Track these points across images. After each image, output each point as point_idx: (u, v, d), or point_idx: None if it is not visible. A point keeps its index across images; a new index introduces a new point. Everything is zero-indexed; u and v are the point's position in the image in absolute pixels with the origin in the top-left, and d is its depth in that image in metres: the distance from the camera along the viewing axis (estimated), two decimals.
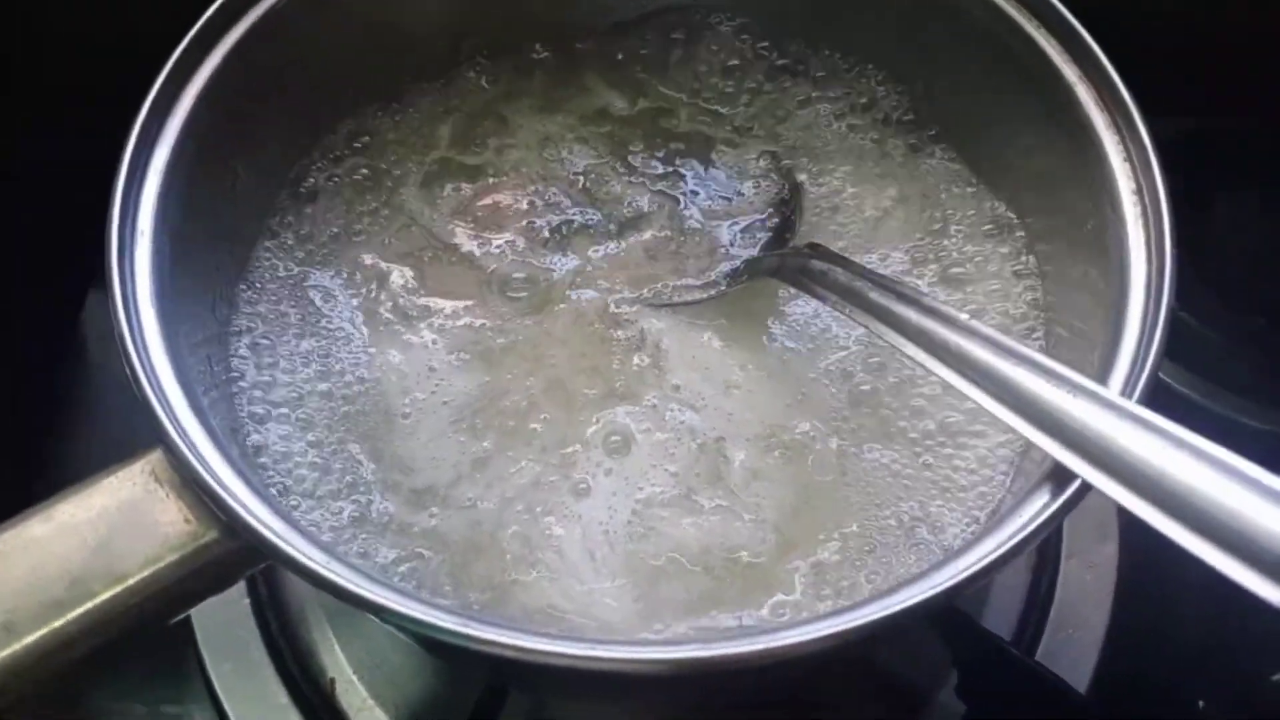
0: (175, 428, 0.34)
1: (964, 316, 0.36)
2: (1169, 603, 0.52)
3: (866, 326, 0.39)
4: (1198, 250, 0.62)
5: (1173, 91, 0.67)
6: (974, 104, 0.47)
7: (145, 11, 0.67)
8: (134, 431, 0.56)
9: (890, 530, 0.41)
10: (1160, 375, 0.37)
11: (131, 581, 0.33)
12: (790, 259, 0.44)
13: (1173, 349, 0.37)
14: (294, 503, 0.41)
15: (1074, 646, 0.51)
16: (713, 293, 0.46)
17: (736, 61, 0.52)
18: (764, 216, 0.48)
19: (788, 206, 0.48)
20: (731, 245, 0.48)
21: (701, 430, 0.43)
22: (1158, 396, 0.36)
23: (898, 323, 0.38)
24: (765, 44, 0.52)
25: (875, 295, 0.39)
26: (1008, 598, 0.52)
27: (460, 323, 0.46)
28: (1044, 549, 0.53)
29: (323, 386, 0.44)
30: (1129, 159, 0.39)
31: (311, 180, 0.49)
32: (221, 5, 0.42)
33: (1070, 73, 0.42)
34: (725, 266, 0.47)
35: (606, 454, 0.42)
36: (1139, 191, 0.39)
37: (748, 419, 0.44)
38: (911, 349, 0.37)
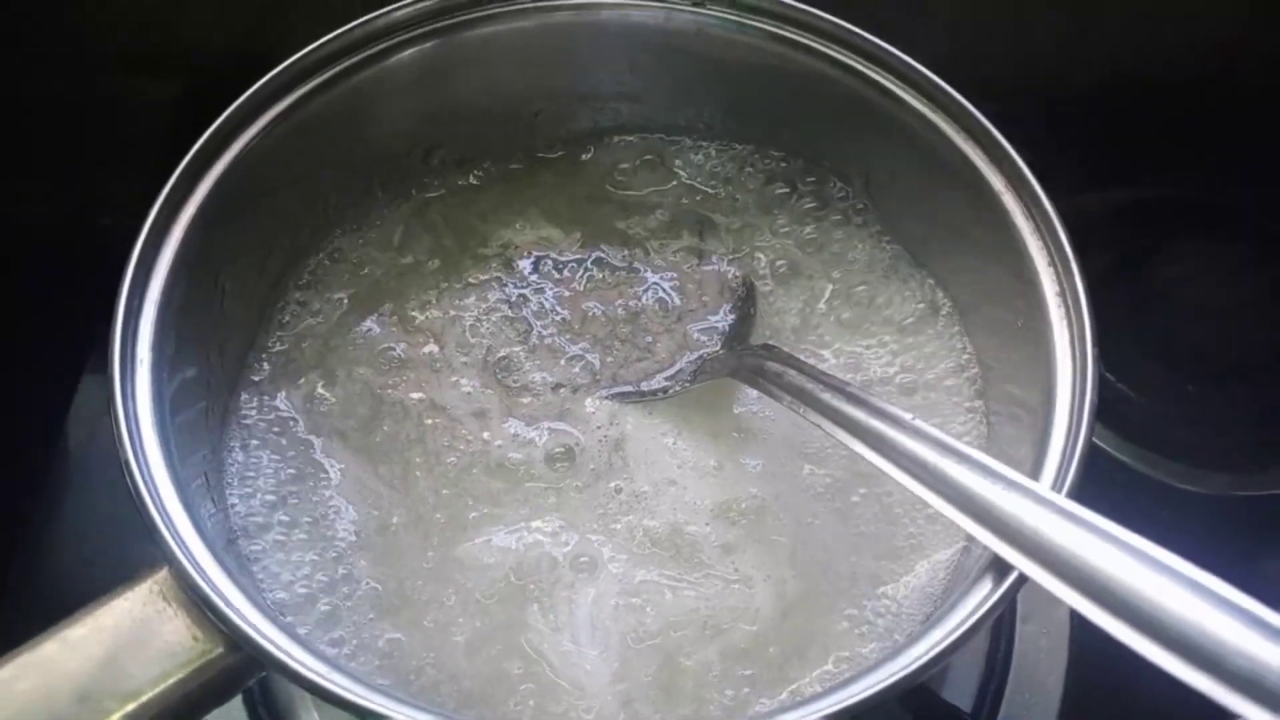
0: (182, 551, 0.37)
1: (909, 417, 0.40)
2: (1122, 662, 0.55)
3: (819, 426, 0.42)
4: (1130, 316, 0.66)
5: (1103, 164, 0.72)
6: (916, 206, 0.51)
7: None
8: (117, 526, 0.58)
9: (848, 592, 0.45)
10: (1095, 441, 0.40)
11: (143, 699, 0.35)
12: (748, 359, 0.47)
13: (1106, 415, 0.39)
14: (283, 602, 0.44)
15: (1032, 711, 0.53)
16: (676, 388, 0.50)
17: (690, 169, 0.56)
18: (723, 315, 0.52)
19: (744, 304, 0.52)
20: (693, 343, 0.51)
21: (673, 516, 0.46)
22: (1092, 464, 0.39)
23: (848, 423, 0.41)
24: (712, 150, 0.56)
25: (827, 396, 0.42)
26: (967, 665, 0.54)
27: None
28: (1000, 614, 0.56)
29: (311, 498, 0.46)
30: (1052, 263, 0.43)
31: (292, 295, 0.51)
32: (211, 134, 0.45)
33: (996, 181, 0.45)
34: (686, 364, 0.50)
35: (576, 573, 0.45)
36: (1062, 295, 0.42)
37: (710, 500, 0.47)
38: (860, 447, 0.40)
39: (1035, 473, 0.39)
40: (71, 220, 0.75)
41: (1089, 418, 0.39)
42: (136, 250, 0.42)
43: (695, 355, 0.51)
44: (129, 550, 0.57)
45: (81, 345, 0.66)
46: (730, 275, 0.53)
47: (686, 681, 0.43)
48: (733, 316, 0.51)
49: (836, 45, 0.48)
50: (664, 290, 0.53)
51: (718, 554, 0.46)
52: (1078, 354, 0.41)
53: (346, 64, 0.48)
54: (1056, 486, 0.38)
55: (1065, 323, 0.42)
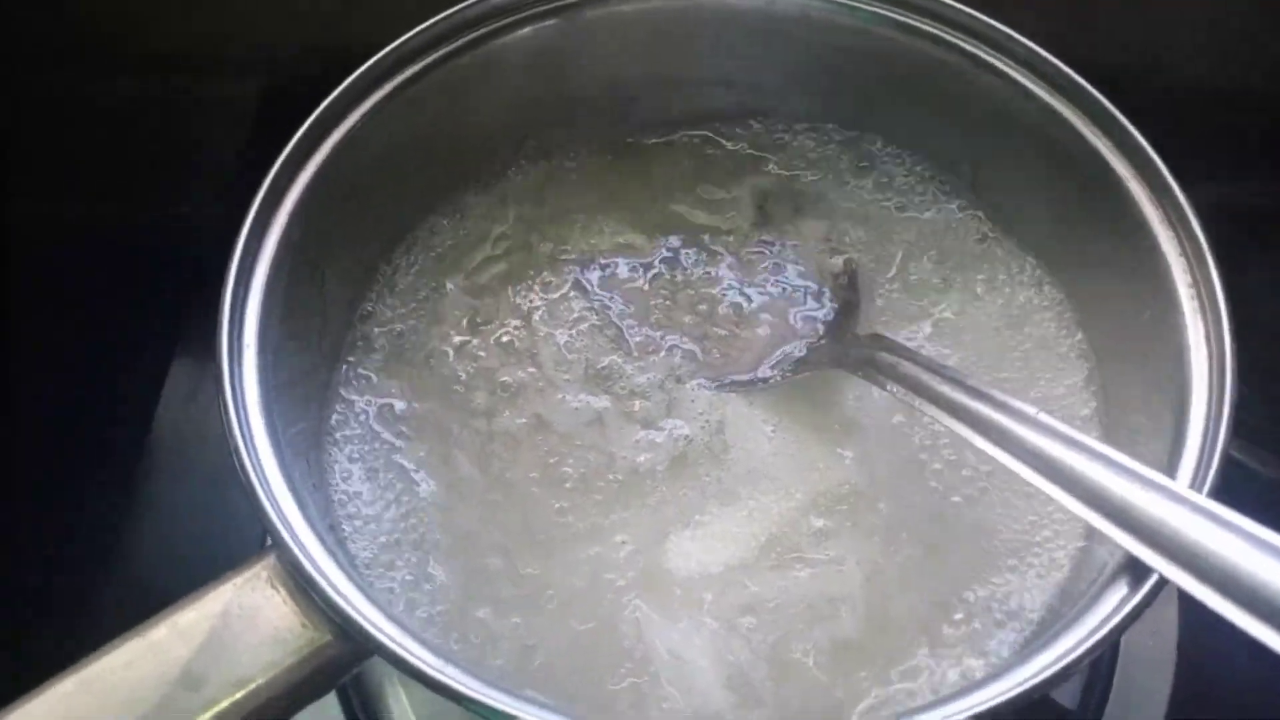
0: (291, 537, 0.36)
1: (1033, 410, 0.38)
2: (1230, 666, 0.53)
3: (936, 419, 0.40)
4: (1236, 314, 0.64)
5: (1205, 158, 0.69)
6: (1029, 195, 0.49)
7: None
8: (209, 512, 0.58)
9: (949, 594, 0.43)
10: None
11: (254, 685, 0.35)
12: (855, 349, 0.46)
13: None
14: (385, 590, 0.44)
15: (1138, 713, 0.52)
16: (777, 377, 0.48)
17: (790, 155, 0.54)
18: (827, 304, 0.50)
19: (848, 292, 0.50)
20: (795, 333, 0.50)
21: (769, 504, 0.45)
22: None
23: (968, 416, 0.39)
24: (812, 137, 0.55)
25: (945, 389, 0.40)
26: None
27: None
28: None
29: (409, 486, 0.46)
30: (1184, 254, 0.41)
31: (390, 282, 0.51)
32: (314, 121, 0.45)
33: (1122, 169, 0.43)
34: (790, 354, 0.49)
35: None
36: (1195, 285, 0.40)
37: (809, 490, 0.46)
38: (981, 442, 0.39)
39: (1170, 471, 0.37)
40: (153, 214, 0.75)
41: (1229, 415, 0.37)
42: (242, 238, 0.42)
43: (798, 345, 0.49)
44: (221, 536, 0.58)
45: (168, 334, 0.67)
46: (832, 262, 0.51)
47: (791, 667, 0.42)
48: (835, 305, 0.50)
49: (949, 28, 0.47)
50: (761, 279, 0.51)
51: (818, 545, 0.45)
52: (1214, 348, 0.39)
53: (448, 49, 0.47)
54: (1195, 487, 0.36)
55: (1199, 316, 0.40)
